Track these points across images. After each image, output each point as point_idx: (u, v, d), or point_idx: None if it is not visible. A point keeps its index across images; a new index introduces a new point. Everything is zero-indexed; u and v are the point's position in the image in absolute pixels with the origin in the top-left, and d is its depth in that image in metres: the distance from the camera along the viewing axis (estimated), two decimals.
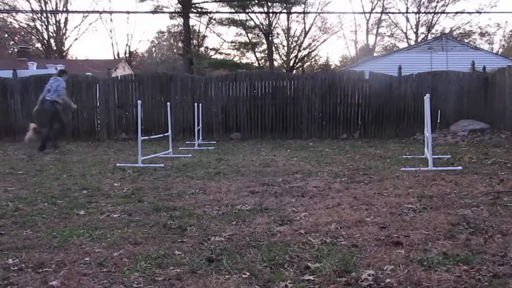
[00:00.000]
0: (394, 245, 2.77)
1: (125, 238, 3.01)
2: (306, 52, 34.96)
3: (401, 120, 11.70)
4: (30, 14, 33.63)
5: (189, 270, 2.43)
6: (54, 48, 35.08)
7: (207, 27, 30.94)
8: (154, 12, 28.09)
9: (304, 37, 33.65)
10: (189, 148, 9.32)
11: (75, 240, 2.99)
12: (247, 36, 31.09)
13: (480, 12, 30.78)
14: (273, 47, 32.47)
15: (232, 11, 28.55)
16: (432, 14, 32.78)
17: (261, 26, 30.84)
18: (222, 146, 9.87)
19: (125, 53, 37.05)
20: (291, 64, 33.29)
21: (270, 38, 31.50)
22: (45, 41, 35.14)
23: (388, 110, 11.73)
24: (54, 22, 34.97)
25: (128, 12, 38.20)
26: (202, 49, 32.70)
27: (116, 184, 5.12)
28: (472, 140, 9.82)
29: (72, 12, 35.70)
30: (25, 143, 9.31)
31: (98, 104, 12.09)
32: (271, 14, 30.28)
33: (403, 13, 33.83)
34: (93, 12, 33.74)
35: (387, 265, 2.42)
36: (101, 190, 4.75)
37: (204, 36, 33.48)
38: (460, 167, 5.84)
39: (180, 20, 29.86)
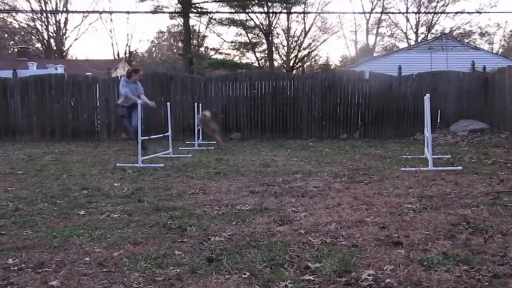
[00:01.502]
0: (394, 245, 2.77)
1: (125, 238, 3.01)
2: (306, 52, 35.02)
3: (401, 120, 11.70)
4: (30, 14, 33.70)
5: (189, 270, 2.43)
6: (54, 48, 35.10)
7: (207, 27, 30.99)
8: (154, 12, 28.10)
9: (304, 37, 33.71)
10: (189, 148, 9.32)
11: (75, 240, 2.99)
12: (247, 36, 31.13)
13: (480, 12, 30.83)
14: (273, 47, 32.49)
15: (232, 11, 28.56)
16: (432, 14, 32.80)
17: (261, 26, 30.86)
18: (222, 146, 9.87)
19: (125, 53, 37.11)
20: (291, 64, 33.31)
21: (270, 38, 31.52)
22: (45, 41, 35.16)
23: (388, 110, 11.73)
24: (54, 22, 35.03)
25: (128, 12, 38.25)
26: (202, 49, 32.74)
27: (116, 184, 5.12)
28: (472, 140, 9.82)
29: (72, 12, 35.77)
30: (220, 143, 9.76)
31: (98, 104, 12.10)
32: (271, 14, 30.31)
33: (403, 13, 33.88)
34: (93, 12, 33.78)
35: (387, 265, 2.42)
36: (101, 190, 4.75)
37: (204, 36, 33.54)
38: (460, 167, 5.84)
39: (180, 20, 29.88)
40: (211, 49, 32.65)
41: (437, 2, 32.49)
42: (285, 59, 33.84)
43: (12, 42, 37.47)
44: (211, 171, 5.99)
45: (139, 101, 7.36)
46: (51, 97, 12.06)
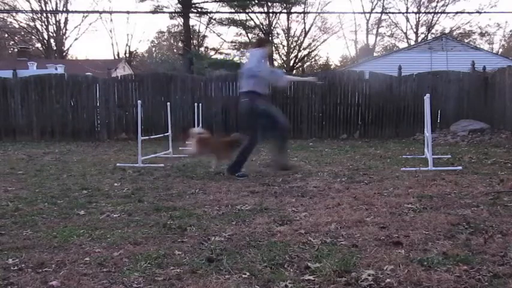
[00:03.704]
0: (394, 245, 2.77)
1: (125, 238, 3.00)
2: (306, 52, 35.00)
3: (401, 120, 11.70)
4: (30, 14, 33.70)
5: (189, 270, 2.42)
6: (54, 48, 35.11)
7: (207, 27, 30.99)
8: (154, 12, 28.10)
9: (304, 37, 33.71)
10: (189, 148, 9.31)
11: (75, 240, 2.99)
12: (247, 36, 31.14)
13: (480, 12, 30.81)
14: (273, 47, 32.46)
15: (232, 11, 28.57)
16: (432, 14, 32.80)
17: (261, 26, 30.87)
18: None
19: (125, 53, 37.10)
20: (291, 64, 33.30)
21: (270, 38, 31.50)
22: (45, 41, 35.17)
23: (388, 110, 11.73)
24: (54, 22, 35.05)
25: (128, 12, 38.23)
26: (202, 49, 32.73)
27: (116, 184, 5.12)
28: (472, 140, 9.82)
29: (72, 12, 35.72)
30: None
31: (98, 104, 12.10)
32: (271, 14, 30.32)
33: (403, 13, 33.89)
34: (93, 12, 33.80)
35: (387, 265, 2.42)
36: (101, 190, 4.75)
37: (204, 36, 33.52)
38: (460, 167, 5.83)
39: (180, 20, 29.88)
40: (211, 49, 32.72)
41: (437, 2, 32.53)
42: (285, 59, 33.85)
43: (12, 42, 37.48)
44: (211, 171, 5.98)
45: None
46: (51, 97, 12.08)
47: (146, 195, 4.44)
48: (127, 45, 45.11)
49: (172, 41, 42.41)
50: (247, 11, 28.17)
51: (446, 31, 32.26)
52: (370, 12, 35.30)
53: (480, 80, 11.72)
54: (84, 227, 3.31)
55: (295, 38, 34.20)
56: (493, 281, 2.20)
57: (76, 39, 52.87)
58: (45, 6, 33.33)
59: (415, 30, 35.63)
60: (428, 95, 6.31)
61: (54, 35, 34.98)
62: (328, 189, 4.64)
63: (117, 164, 6.71)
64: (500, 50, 38.21)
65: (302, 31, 33.88)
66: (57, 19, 34.88)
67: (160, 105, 11.65)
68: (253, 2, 27.26)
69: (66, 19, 35.19)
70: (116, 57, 35.55)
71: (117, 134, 12.00)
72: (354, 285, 2.20)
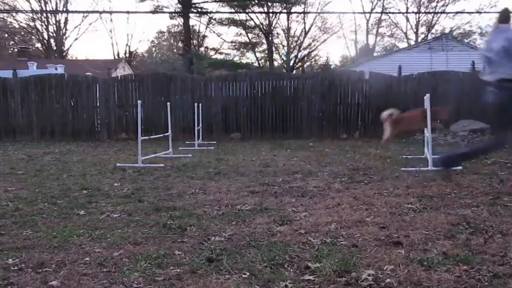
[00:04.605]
0: (394, 245, 2.77)
1: (125, 238, 3.01)
2: (306, 52, 34.99)
3: None
4: (30, 14, 33.72)
5: (189, 270, 2.43)
6: (54, 48, 35.13)
7: (207, 27, 31.06)
8: (154, 12, 28.18)
9: (304, 37, 33.68)
10: (189, 148, 9.31)
11: (75, 240, 2.99)
12: (247, 36, 31.19)
13: (480, 12, 30.80)
14: (273, 47, 32.50)
15: (232, 11, 28.62)
16: (432, 14, 32.81)
17: (261, 26, 30.89)
18: (222, 146, 9.87)
19: (125, 53, 37.13)
20: (291, 64, 33.31)
21: (270, 38, 31.55)
22: (45, 41, 35.20)
23: None
24: (54, 22, 35.08)
25: (128, 12, 38.25)
26: (202, 49, 32.76)
27: (116, 184, 5.12)
28: (472, 140, 9.82)
29: (72, 12, 35.75)
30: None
31: (98, 104, 12.10)
32: (271, 14, 30.33)
33: (403, 13, 33.89)
34: (93, 12, 33.82)
35: (387, 265, 2.42)
36: (101, 190, 4.75)
37: (204, 36, 33.57)
38: (460, 167, 5.83)
39: (180, 20, 29.96)
40: (211, 49, 32.79)
41: (437, 2, 32.53)
42: (285, 59, 33.85)
43: (12, 42, 37.49)
44: (211, 171, 5.99)
45: None
46: (51, 97, 12.07)
47: (146, 195, 4.44)
48: (127, 45, 45.16)
49: (172, 41, 42.44)
50: (247, 11, 28.20)
51: (446, 31, 32.27)
52: (370, 12, 35.31)
53: (480, 80, 11.69)
54: (84, 227, 3.31)
55: (295, 38, 34.21)
56: (493, 281, 2.21)
57: (76, 39, 52.93)
58: (45, 6, 33.40)
59: (415, 30, 35.64)
60: (428, 95, 6.31)
61: (54, 35, 35.01)
62: (328, 189, 4.64)
63: (117, 164, 6.71)
64: None
65: (302, 31, 33.89)
66: (57, 19, 34.96)
67: (160, 105, 11.64)
68: (253, 2, 27.32)
69: (66, 19, 35.27)
70: (116, 57, 35.58)
71: (117, 134, 11.99)
72: (354, 285, 2.20)
